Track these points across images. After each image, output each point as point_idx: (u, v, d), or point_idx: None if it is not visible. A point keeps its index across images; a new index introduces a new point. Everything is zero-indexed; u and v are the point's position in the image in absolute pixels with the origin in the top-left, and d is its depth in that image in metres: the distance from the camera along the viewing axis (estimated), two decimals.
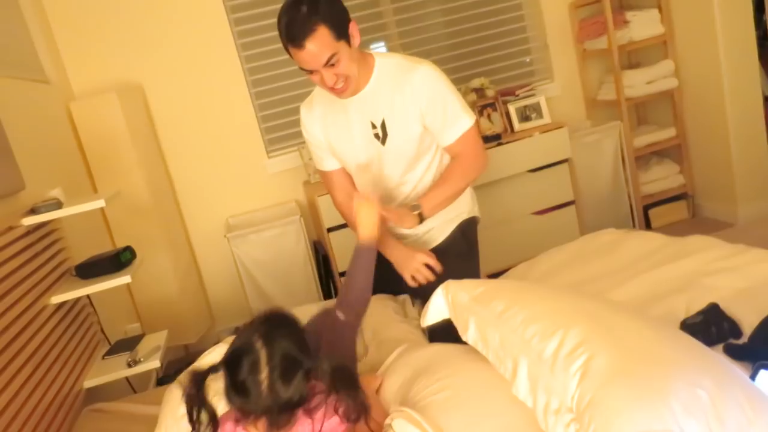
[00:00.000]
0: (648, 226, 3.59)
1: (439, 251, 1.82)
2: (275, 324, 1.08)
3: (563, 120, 3.41)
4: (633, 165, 3.49)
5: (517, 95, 3.43)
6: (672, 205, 3.62)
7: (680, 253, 1.77)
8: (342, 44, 1.57)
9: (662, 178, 3.60)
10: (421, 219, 1.74)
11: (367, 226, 1.56)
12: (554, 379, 0.99)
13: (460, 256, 1.90)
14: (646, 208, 3.61)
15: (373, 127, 1.74)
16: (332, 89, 1.65)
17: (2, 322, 1.66)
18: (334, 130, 1.81)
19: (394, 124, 1.73)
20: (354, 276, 1.53)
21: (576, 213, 3.33)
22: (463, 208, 1.92)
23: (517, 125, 3.36)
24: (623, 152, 3.49)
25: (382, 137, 1.74)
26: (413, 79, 1.68)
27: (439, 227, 1.89)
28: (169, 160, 3.27)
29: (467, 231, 1.94)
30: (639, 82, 3.43)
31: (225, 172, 3.34)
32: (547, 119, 3.36)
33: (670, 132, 3.52)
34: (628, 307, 1.17)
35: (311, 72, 1.61)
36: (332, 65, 1.57)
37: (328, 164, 1.90)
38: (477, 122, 1.80)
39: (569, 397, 0.95)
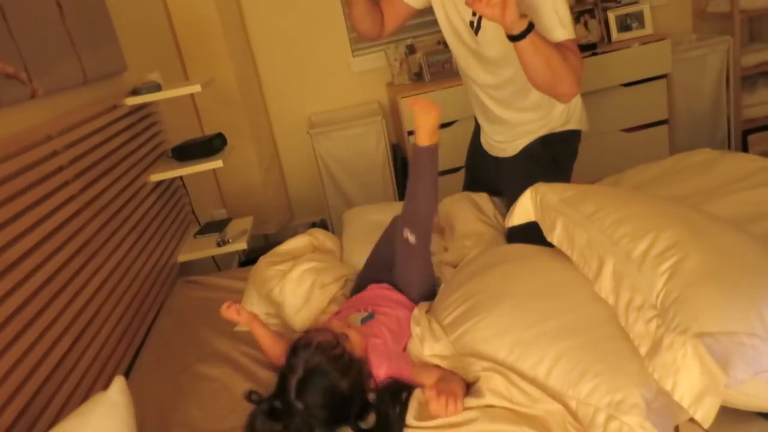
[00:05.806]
0: (745, 152, 3.39)
1: (512, 159, 1.81)
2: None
3: (667, 32, 3.18)
4: (738, 85, 3.25)
5: (619, 2, 3.20)
6: None
7: None
8: None
9: None
10: (525, 28, 1.41)
11: (425, 130, 1.40)
12: (641, 278, 0.99)
13: (536, 163, 1.80)
14: (745, 133, 3.39)
15: (473, 14, 1.63)
16: None
17: (109, 194, 1.80)
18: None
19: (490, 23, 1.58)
20: (416, 184, 1.42)
21: (668, 133, 3.17)
22: (549, 119, 1.79)
23: (615, 35, 3.16)
24: (729, 71, 3.24)
25: (476, 28, 1.65)
26: None
27: (518, 137, 1.82)
28: (257, 54, 3.31)
29: (552, 143, 1.80)
30: None
31: (310, 69, 3.35)
32: (649, 30, 3.14)
33: None
34: (724, 218, 1.14)
35: None
36: None
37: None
38: (575, 41, 1.54)
39: (654, 295, 0.96)
